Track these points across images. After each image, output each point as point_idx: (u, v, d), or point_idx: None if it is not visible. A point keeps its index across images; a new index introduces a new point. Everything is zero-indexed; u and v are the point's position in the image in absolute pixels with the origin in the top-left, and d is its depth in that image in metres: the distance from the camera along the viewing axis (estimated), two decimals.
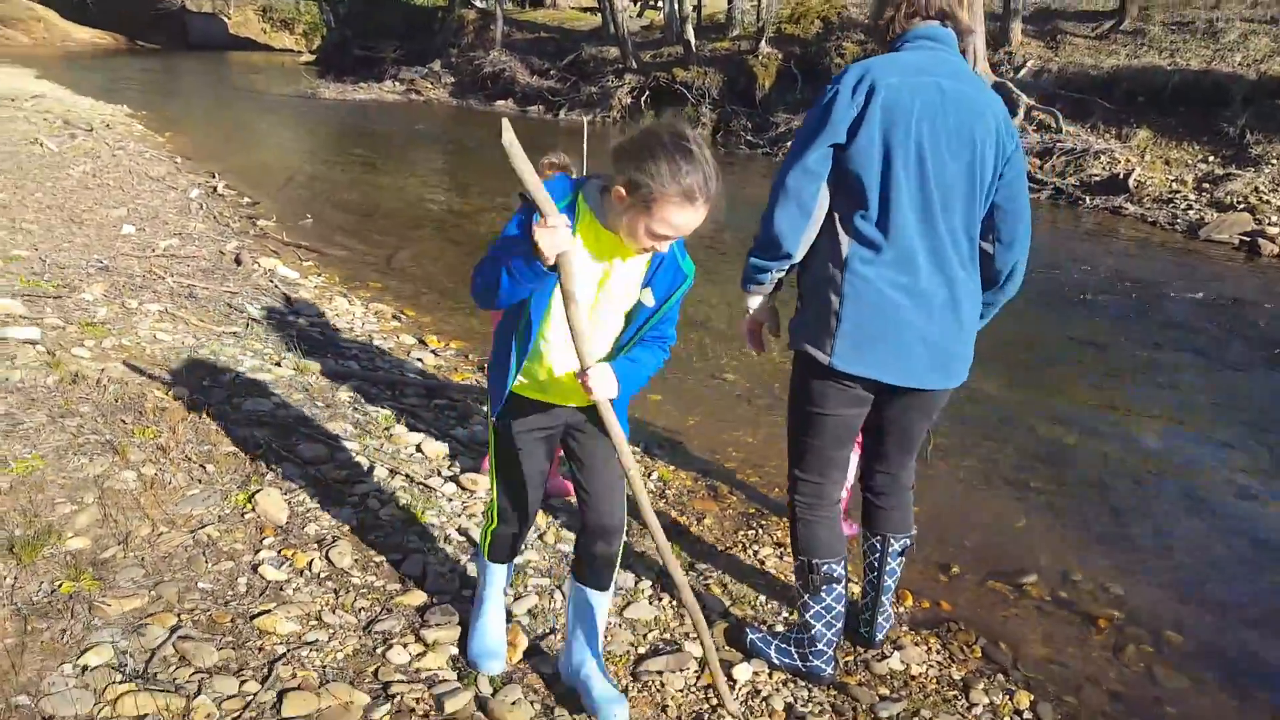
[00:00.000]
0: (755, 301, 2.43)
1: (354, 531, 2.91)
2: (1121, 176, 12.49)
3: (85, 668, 2.11)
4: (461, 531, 3.02)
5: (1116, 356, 6.07)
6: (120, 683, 2.08)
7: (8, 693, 2.00)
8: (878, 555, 2.58)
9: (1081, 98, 14.21)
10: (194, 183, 8.80)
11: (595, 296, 1.97)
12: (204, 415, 3.44)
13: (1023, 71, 15.16)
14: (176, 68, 28.06)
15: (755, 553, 3.22)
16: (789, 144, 2.46)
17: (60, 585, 2.37)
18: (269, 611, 2.42)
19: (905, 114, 2.13)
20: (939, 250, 2.21)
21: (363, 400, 3.98)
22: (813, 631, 2.46)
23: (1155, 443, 4.68)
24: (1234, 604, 3.25)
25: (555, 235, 1.74)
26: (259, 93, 21.22)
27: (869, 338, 2.20)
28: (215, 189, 8.73)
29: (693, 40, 19.18)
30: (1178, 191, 12.25)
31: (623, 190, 1.80)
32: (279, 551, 2.72)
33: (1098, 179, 12.69)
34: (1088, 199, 12.33)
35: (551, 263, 1.77)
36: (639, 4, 26.02)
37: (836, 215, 2.23)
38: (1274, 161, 12.21)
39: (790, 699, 2.44)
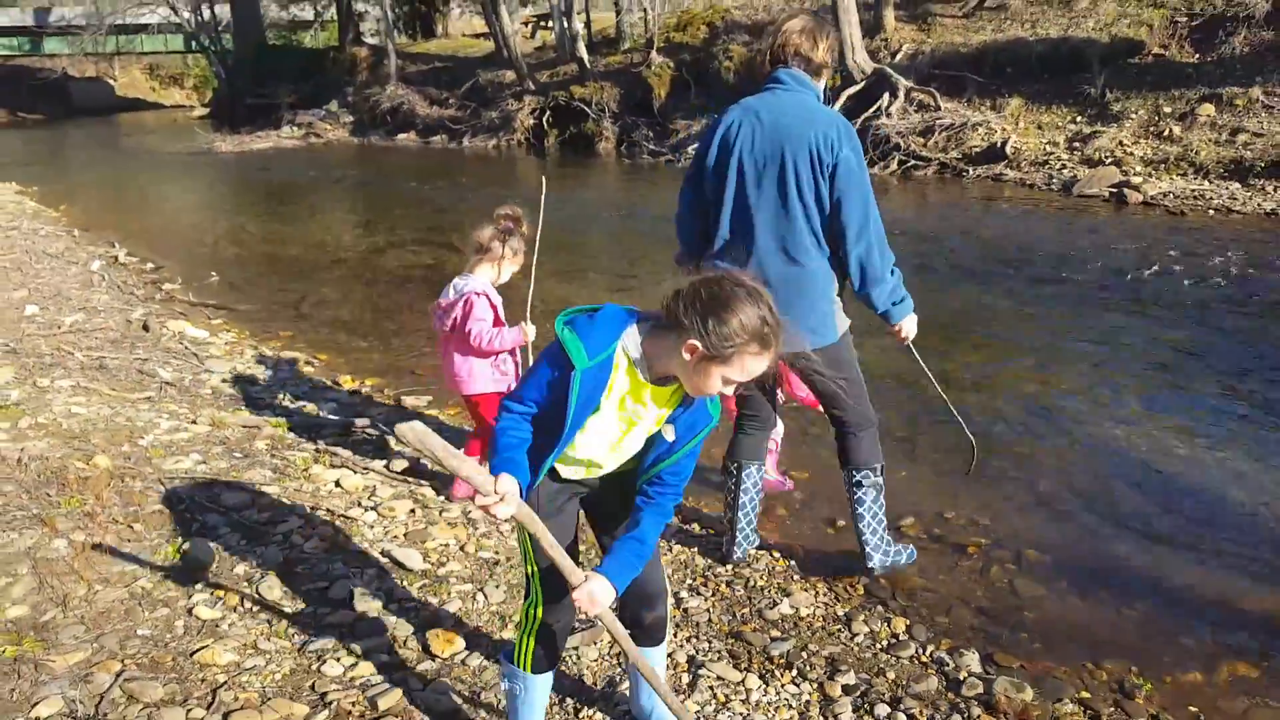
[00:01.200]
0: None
1: (281, 566, 3.11)
2: (999, 145, 13.21)
3: (37, 719, 2.29)
4: (384, 554, 3.24)
5: (995, 313, 6.56)
6: None
7: None
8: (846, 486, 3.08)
9: (956, 75, 14.95)
10: (94, 254, 8.77)
11: (615, 445, 1.98)
12: (126, 479, 3.60)
13: (899, 56, 15.88)
14: (64, 137, 27.38)
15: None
16: (690, 148, 3.20)
17: (4, 651, 2.53)
18: (207, 647, 2.62)
19: (737, 143, 2.76)
20: (757, 245, 2.73)
21: (280, 446, 4.16)
22: (726, 518, 3.19)
23: (1029, 387, 5.12)
24: (1088, 520, 3.67)
25: (503, 509, 1.76)
26: (153, 153, 20.89)
27: None
28: (116, 258, 8.71)
29: (586, 57, 19.54)
30: (1051, 153, 13.01)
31: (696, 344, 1.75)
32: (211, 594, 2.91)
33: (978, 150, 13.39)
34: (970, 170, 13.01)
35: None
36: (530, 26, 26.34)
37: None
38: (1133, 116, 13.06)
39: (692, 651, 2.73)
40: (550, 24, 23.35)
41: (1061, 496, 3.86)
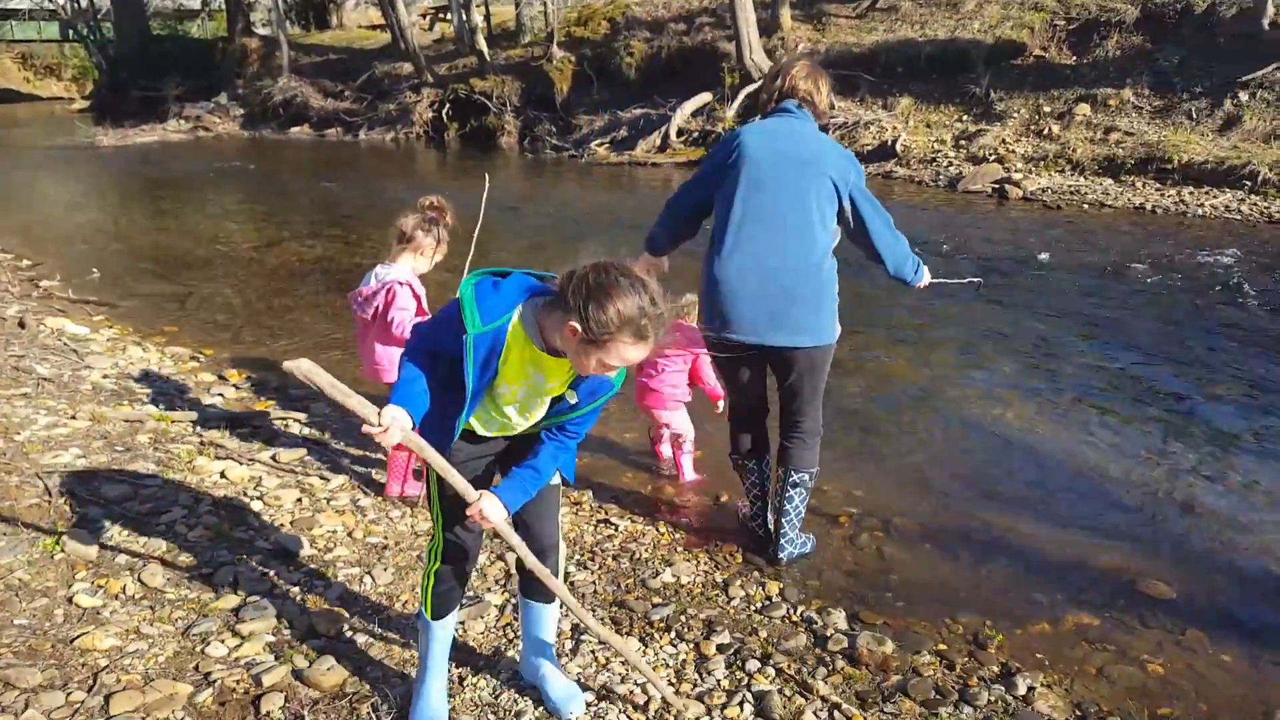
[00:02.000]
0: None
1: (164, 555, 3.08)
2: (890, 143, 13.74)
3: None
4: (271, 541, 3.24)
5: (874, 302, 6.87)
6: None
7: None
8: (780, 482, 3.27)
9: (849, 74, 15.43)
10: None
11: (521, 406, 2.09)
12: (1, 474, 3.48)
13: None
14: None
15: None
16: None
17: None
18: (88, 633, 2.59)
19: (752, 153, 3.02)
20: (773, 245, 3.01)
21: (163, 440, 4.08)
22: (758, 506, 3.39)
23: (904, 369, 5.42)
24: (955, 491, 3.94)
25: (388, 437, 1.86)
26: (28, 148, 19.73)
27: (727, 311, 3.06)
28: None
29: (485, 50, 19.37)
30: (939, 150, 13.61)
31: (576, 326, 1.83)
32: (92, 583, 2.86)
33: (870, 148, 13.88)
34: (863, 167, 13.51)
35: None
36: (429, 18, 25.93)
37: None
38: (1015, 115, 13.78)
39: (576, 620, 2.84)
40: (449, 16, 23.07)
41: (932, 470, 4.13)
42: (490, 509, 2.03)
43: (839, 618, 2.96)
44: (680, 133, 15.72)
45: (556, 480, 2.28)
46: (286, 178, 14.67)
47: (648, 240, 3.34)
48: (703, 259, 3.14)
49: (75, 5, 28.74)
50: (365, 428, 1.86)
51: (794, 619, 2.95)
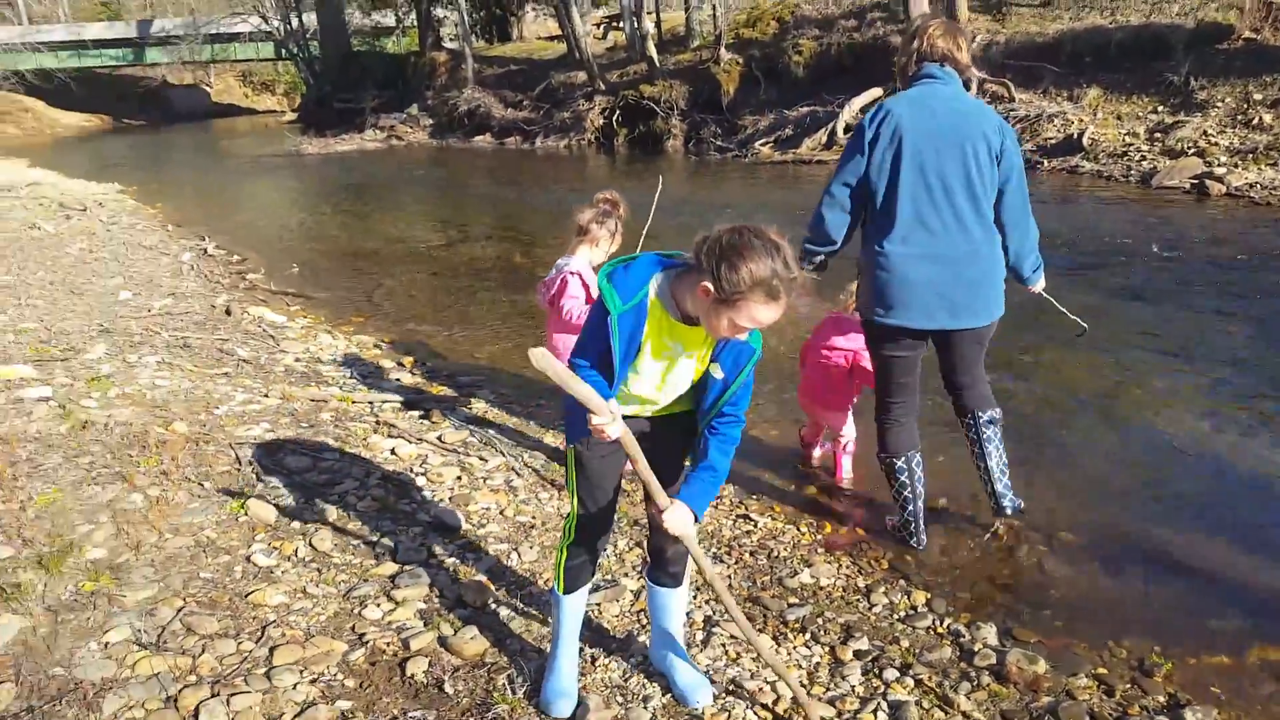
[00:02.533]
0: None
1: (335, 522, 3.34)
2: (1076, 136, 12.86)
3: (108, 644, 2.54)
4: (431, 515, 3.44)
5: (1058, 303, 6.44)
6: (137, 652, 2.50)
7: (44, 666, 2.43)
8: (972, 430, 3.26)
9: (1031, 65, 14.61)
10: (185, 247, 9.32)
11: (661, 381, 2.14)
12: (200, 444, 3.89)
13: (972, 46, 15.58)
14: (163, 141, 28.86)
15: None
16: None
17: (83, 585, 2.81)
18: (260, 589, 2.85)
19: (909, 131, 2.92)
20: (942, 226, 2.95)
21: (343, 418, 4.41)
22: (909, 511, 3.25)
23: (1079, 375, 5.05)
24: (1127, 505, 3.63)
25: (613, 428, 1.94)
26: (244, 156, 21.89)
27: (897, 298, 3.00)
28: (205, 251, 9.24)
29: (655, 56, 19.70)
30: (1131, 144, 12.60)
31: (709, 286, 1.88)
32: (269, 544, 3.15)
33: (1054, 141, 13.07)
34: (1045, 162, 12.69)
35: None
36: (602, 26, 26.65)
37: (865, 212, 3.06)
38: (1219, 104, 12.57)
39: (709, 612, 2.84)
40: (621, 24, 23.59)
41: (1102, 481, 3.83)
42: (680, 519, 2.07)
43: (989, 632, 2.81)
44: (848, 129, 15.37)
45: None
46: (468, 183, 15.50)
47: (812, 237, 3.11)
48: (863, 246, 3.08)
49: (288, 27, 31.56)
50: (593, 419, 1.93)
51: (940, 630, 2.82)
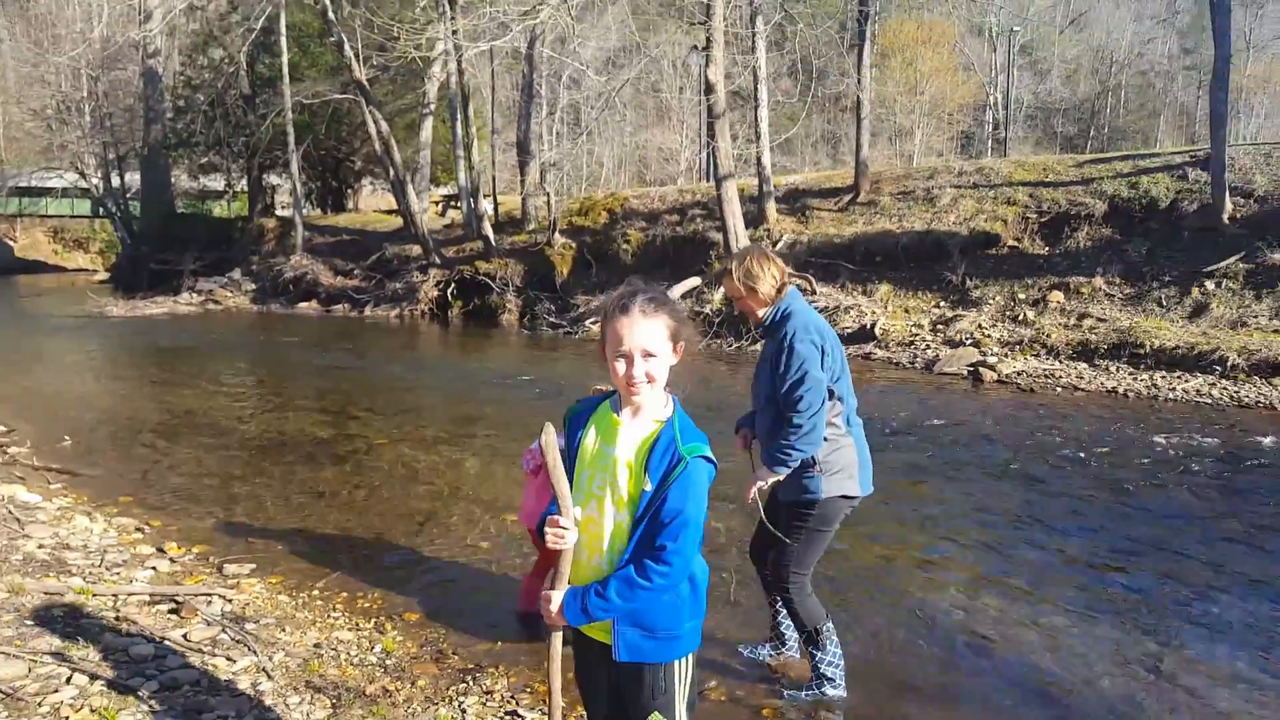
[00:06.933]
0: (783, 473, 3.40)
1: None
2: (869, 327, 14.11)
3: None
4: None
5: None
6: None
7: None
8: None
9: (830, 263, 16.12)
10: None
11: (597, 489, 2.10)
12: None
13: (779, 245, 17.06)
14: None
15: (460, 704, 3.45)
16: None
17: None
18: None
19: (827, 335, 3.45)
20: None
21: (79, 614, 3.97)
22: (832, 675, 3.51)
23: (856, 548, 5.30)
24: (888, 682, 3.75)
25: (567, 539, 2.03)
26: (41, 316, 20.44)
27: (865, 472, 3.52)
28: None
29: (491, 235, 20.36)
30: (917, 334, 13.94)
31: (600, 347, 2.12)
32: None
33: (850, 331, 14.25)
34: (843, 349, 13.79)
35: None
36: (441, 205, 27.41)
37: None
38: (990, 301, 14.23)
39: None
40: (459, 204, 24.38)
41: (866, 660, 3.95)
42: (549, 602, 2.07)
43: None
44: None
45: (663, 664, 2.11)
46: (287, 351, 15.04)
47: (809, 446, 3.35)
48: (834, 438, 3.40)
49: (106, 184, 30.53)
50: (554, 519, 2.01)
51: None
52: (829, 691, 3.53)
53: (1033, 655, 4.00)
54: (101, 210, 32.85)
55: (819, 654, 3.52)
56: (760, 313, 3.51)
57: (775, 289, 3.48)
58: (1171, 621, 4.38)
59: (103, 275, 33.01)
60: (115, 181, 30.41)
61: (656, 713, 2.09)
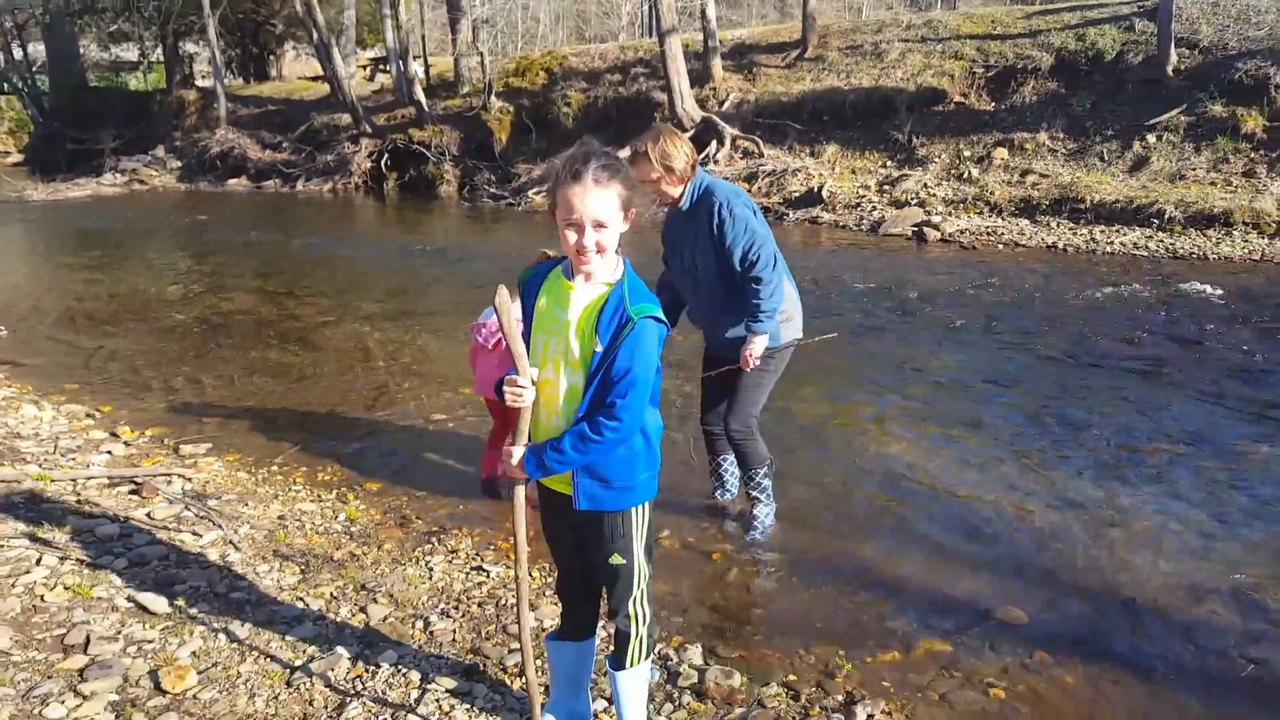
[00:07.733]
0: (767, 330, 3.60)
1: (16, 617, 3.03)
2: (816, 189, 14.09)
3: None
4: (129, 599, 3.20)
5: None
6: None
7: None
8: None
9: (777, 123, 15.89)
10: None
11: (553, 352, 2.14)
12: None
13: (725, 104, 16.72)
14: None
15: (427, 563, 3.62)
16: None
17: None
18: None
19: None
20: None
21: (38, 499, 4.01)
22: (767, 502, 3.89)
23: (791, 406, 5.52)
24: (828, 523, 4.02)
25: (525, 397, 2.09)
26: None
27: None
28: None
29: (424, 100, 19.53)
30: (864, 196, 13.97)
31: (549, 208, 2.09)
32: None
33: (797, 194, 14.23)
34: (790, 213, 13.80)
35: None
36: (369, 69, 26.10)
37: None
38: (936, 160, 14.24)
39: (427, 669, 2.85)
40: (388, 67, 23.25)
41: (809, 505, 4.21)
42: (510, 458, 2.16)
43: (695, 654, 3.01)
44: None
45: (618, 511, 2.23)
46: (218, 230, 14.57)
47: (776, 306, 3.56)
48: (787, 285, 3.66)
49: (9, 57, 28.37)
50: (512, 379, 2.07)
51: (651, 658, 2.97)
52: (768, 519, 3.91)
53: (976, 497, 4.28)
54: (6, 86, 30.59)
55: (757, 492, 3.88)
56: (675, 192, 3.54)
57: (690, 166, 3.51)
58: (1105, 458, 4.70)
59: (16, 157, 31.08)
60: (18, 54, 28.22)
61: (616, 554, 2.25)
